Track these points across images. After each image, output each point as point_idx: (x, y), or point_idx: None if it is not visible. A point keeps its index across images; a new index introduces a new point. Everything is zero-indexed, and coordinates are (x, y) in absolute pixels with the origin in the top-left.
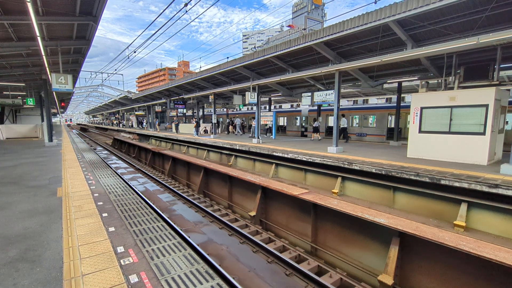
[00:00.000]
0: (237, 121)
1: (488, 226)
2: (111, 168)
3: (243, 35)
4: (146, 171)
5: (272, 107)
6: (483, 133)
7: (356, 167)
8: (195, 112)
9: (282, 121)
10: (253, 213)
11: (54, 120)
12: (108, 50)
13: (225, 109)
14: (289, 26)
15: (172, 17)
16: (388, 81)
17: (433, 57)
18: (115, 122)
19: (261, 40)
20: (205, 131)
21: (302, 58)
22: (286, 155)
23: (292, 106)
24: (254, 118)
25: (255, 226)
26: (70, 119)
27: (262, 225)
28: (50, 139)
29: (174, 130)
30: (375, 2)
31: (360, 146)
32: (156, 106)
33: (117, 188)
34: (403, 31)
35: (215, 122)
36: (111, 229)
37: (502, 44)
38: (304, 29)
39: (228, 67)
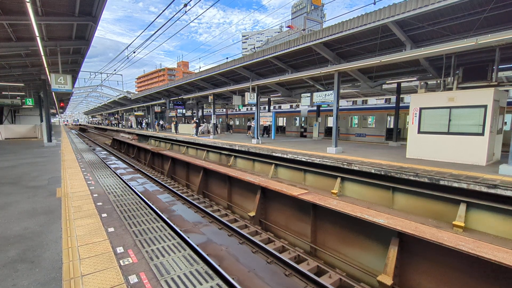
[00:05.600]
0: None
1: (487, 227)
2: (111, 169)
3: (243, 36)
4: (145, 172)
5: (272, 107)
6: (482, 134)
7: (355, 168)
8: (194, 113)
9: (282, 121)
10: (252, 214)
11: (53, 120)
12: (108, 50)
13: (224, 110)
14: (288, 26)
15: (172, 17)
16: (387, 82)
17: (432, 57)
18: (113, 122)
19: (261, 41)
20: (202, 132)
21: (302, 58)
22: (285, 156)
23: (291, 106)
24: (253, 118)
25: (254, 226)
26: (67, 120)
27: (261, 225)
28: (49, 140)
29: (173, 130)
30: (374, 3)
31: (359, 146)
32: (155, 107)
33: (117, 188)
34: (402, 32)
35: (215, 122)
36: (111, 229)
37: (501, 45)
38: (304, 29)
39: (228, 68)
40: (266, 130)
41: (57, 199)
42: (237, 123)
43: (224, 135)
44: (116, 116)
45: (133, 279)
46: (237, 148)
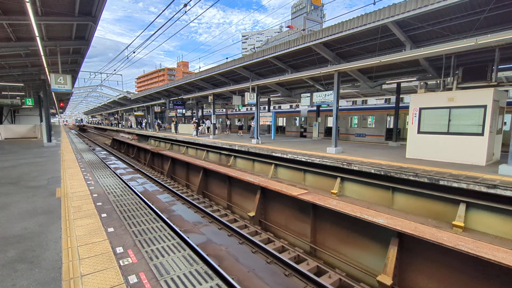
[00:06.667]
0: (208, 122)
1: (486, 227)
2: (110, 169)
3: (242, 36)
4: (145, 172)
5: (272, 107)
6: (482, 134)
7: (355, 168)
8: (194, 113)
9: (281, 121)
10: (252, 214)
11: (53, 120)
12: (108, 50)
13: (224, 110)
14: (288, 26)
15: (171, 17)
16: (387, 82)
17: (432, 58)
18: (113, 122)
19: (260, 41)
20: (208, 128)
21: (301, 58)
22: (285, 156)
23: (291, 106)
24: (252, 118)
25: (254, 226)
26: (67, 120)
27: (261, 225)
28: (49, 140)
29: (173, 130)
30: (374, 3)
31: (359, 146)
32: (155, 107)
33: (116, 188)
34: (402, 32)
35: (214, 122)
36: (110, 229)
37: (500, 45)
38: (303, 29)
39: (228, 68)
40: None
41: (57, 199)
42: (237, 123)
43: (223, 135)
44: (116, 116)
45: (132, 279)
46: (237, 148)
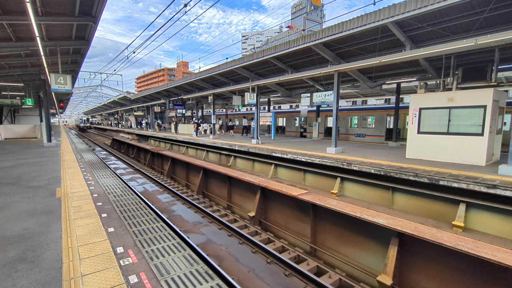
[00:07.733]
0: (205, 125)
1: (486, 227)
2: (110, 169)
3: (242, 36)
4: (145, 172)
5: (271, 107)
6: (481, 134)
7: (355, 168)
8: (194, 113)
9: (281, 121)
10: (252, 214)
11: (53, 120)
12: (108, 50)
13: (224, 110)
14: (288, 27)
15: (171, 18)
16: (387, 82)
17: (432, 58)
18: (114, 122)
19: (260, 41)
20: (205, 131)
21: (301, 59)
22: (285, 156)
23: (291, 106)
24: (252, 119)
25: (254, 226)
26: (66, 120)
27: (261, 225)
28: (49, 140)
29: (173, 130)
30: (374, 3)
31: (359, 146)
32: (155, 107)
33: (116, 188)
34: (401, 32)
35: (214, 122)
36: (111, 229)
37: (500, 45)
38: (303, 30)
39: (227, 68)
40: (246, 129)
41: (57, 199)
42: (237, 123)
43: (220, 135)
44: (115, 116)
45: (133, 279)
46: (236, 148)
